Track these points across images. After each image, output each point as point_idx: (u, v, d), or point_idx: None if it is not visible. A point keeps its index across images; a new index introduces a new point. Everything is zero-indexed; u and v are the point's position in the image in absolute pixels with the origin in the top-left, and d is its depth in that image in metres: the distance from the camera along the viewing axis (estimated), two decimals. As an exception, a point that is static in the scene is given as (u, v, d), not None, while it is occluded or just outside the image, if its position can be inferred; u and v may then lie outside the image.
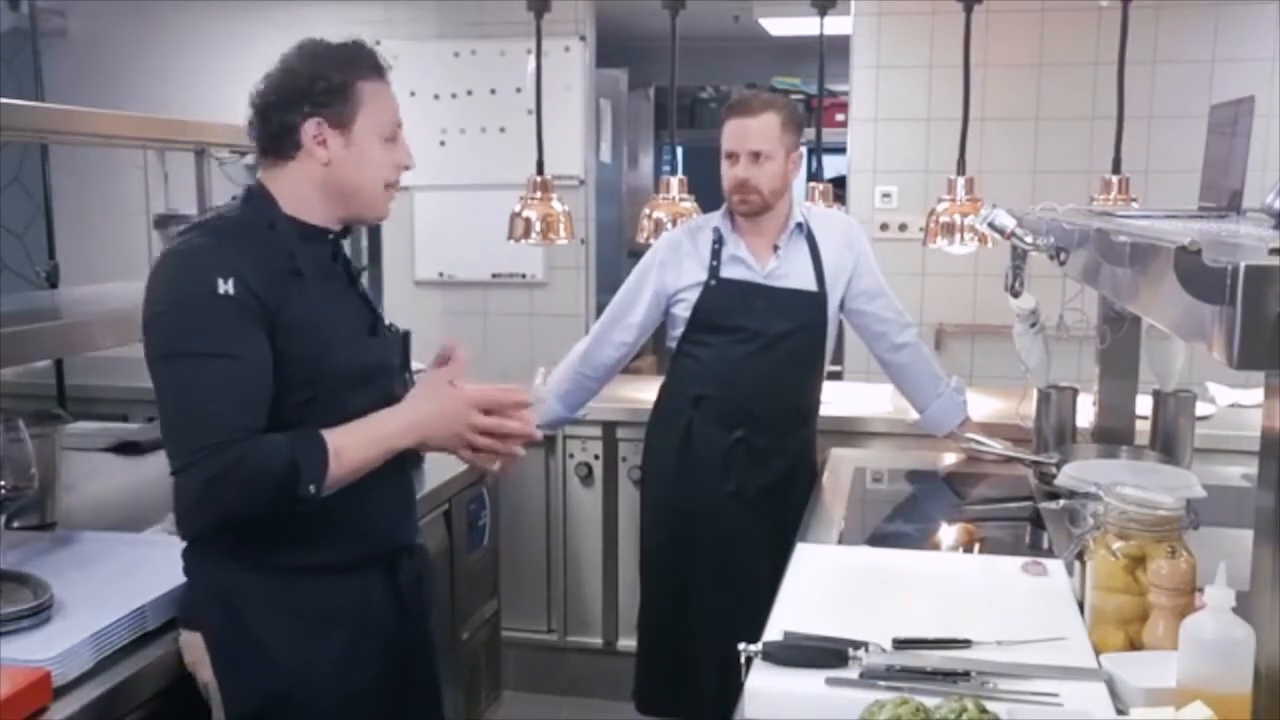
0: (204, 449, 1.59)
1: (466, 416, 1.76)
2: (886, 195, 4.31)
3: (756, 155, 2.78)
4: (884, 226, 4.28)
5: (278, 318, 1.67)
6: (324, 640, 1.75)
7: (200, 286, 1.63)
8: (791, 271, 2.87)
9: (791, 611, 1.78)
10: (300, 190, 1.77)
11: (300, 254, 1.74)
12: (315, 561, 1.75)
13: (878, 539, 2.44)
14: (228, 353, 1.63)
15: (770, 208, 2.84)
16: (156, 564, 1.89)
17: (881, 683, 1.51)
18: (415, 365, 1.99)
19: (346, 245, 1.98)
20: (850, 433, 3.39)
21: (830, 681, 1.53)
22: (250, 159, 2.21)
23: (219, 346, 1.62)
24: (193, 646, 1.78)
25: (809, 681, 1.53)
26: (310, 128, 1.73)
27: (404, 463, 1.91)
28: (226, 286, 1.62)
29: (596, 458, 3.70)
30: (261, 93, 1.76)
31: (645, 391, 3.30)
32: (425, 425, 1.77)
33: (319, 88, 1.73)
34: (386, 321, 1.98)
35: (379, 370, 1.81)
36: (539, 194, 3.58)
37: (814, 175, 4.06)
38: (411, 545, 1.93)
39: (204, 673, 1.77)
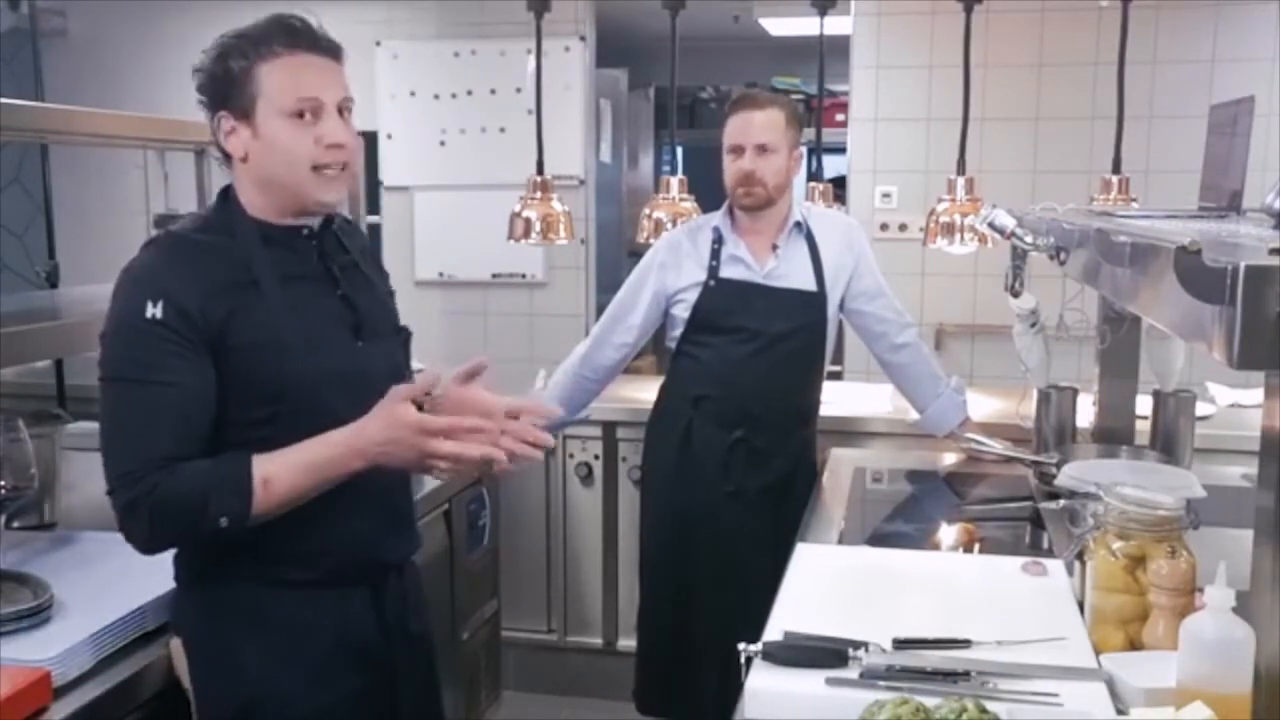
0: (126, 475, 1.58)
1: (418, 444, 1.60)
2: (886, 195, 4.31)
3: (762, 148, 2.78)
4: (884, 226, 4.27)
5: (225, 331, 1.62)
6: (299, 654, 1.71)
7: (130, 310, 1.60)
8: (791, 271, 2.87)
9: (791, 611, 1.78)
10: (244, 191, 1.72)
11: (260, 260, 1.67)
12: (294, 576, 1.71)
13: (878, 539, 2.44)
14: (153, 380, 1.59)
15: (773, 202, 2.84)
16: (156, 564, 1.88)
17: (881, 683, 1.51)
18: (416, 365, 1.96)
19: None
20: (850, 433, 3.39)
21: (830, 681, 1.53)
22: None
23: (144, 373, 1.59)
24: (179, 652, 1.78)
25: (809, 681, 1.53)
26: (221, 124, 1.68)
27: (394, 477, 1.81)
28: (155, 310, 1.58)
29: (596, 458, 3.70)
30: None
31: (645, 391, 3.30)
32: (372, 450, 1.62)
33: (218, 81, 1.67)
34: (401, 321, 1.91)
35: (362, 375, 1.71)
36: (539, 194, 3.58)
37: (814, 175, 4.06)
38: (401, 563, 1.86)
39: (186, 679, 1.76)
